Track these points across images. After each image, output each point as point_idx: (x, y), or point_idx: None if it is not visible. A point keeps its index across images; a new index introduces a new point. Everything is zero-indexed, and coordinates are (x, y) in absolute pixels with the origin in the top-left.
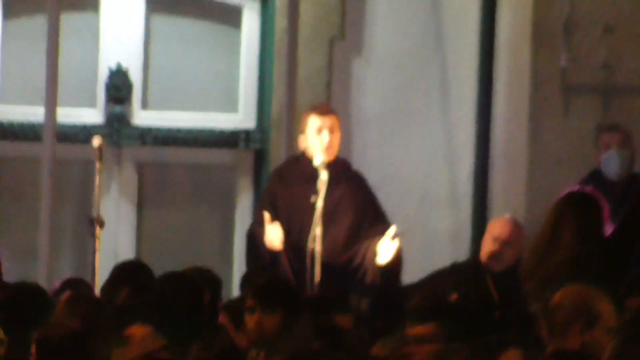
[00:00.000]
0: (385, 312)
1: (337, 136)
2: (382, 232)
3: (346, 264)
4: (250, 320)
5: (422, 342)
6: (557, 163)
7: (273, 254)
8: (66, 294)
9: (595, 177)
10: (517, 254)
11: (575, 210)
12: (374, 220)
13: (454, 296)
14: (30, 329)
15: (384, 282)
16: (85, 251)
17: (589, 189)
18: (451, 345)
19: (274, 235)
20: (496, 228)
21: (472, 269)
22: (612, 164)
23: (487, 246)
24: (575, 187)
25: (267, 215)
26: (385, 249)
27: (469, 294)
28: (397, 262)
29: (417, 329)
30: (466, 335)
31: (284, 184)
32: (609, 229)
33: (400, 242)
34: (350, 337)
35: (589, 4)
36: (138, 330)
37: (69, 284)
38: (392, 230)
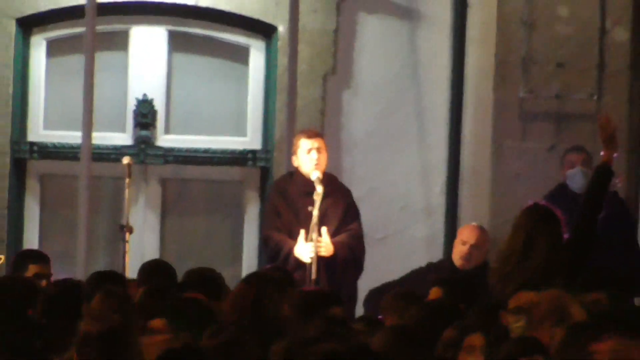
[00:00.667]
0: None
1: (324, 155)
2: (348, 233)
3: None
4: None
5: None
6: (516, 179)
7: (287, 254)
8: (101, 291)
9: (561, 190)
10: (483, 255)
11: (545, 222)
12: (345, 227)
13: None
14: (73, 320)
15: (328, 274)
16: (117, 254)
17: (545, 203)
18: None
19: (304, 251)
20: (465, 233)
21: (446, 268)
22: (576, 179)
23: (458, 249)
24: (535, 201)
25: (302, 233)
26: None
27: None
28: (340, 255)
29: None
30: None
31: (284, 197)
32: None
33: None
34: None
35: (543, 44)
36: (157, 324)
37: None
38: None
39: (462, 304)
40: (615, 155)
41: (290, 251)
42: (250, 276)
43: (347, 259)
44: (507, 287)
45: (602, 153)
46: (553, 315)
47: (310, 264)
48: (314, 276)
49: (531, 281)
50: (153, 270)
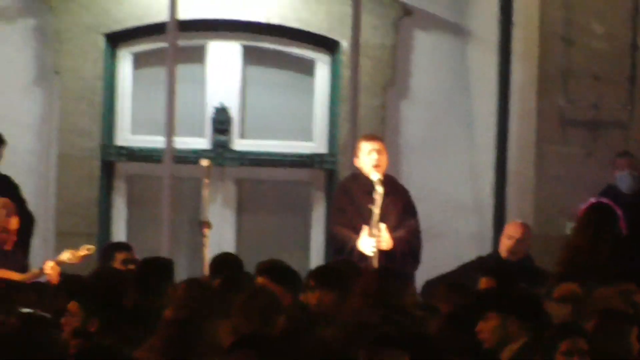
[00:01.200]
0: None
1: (384, 157)
2: (405, 229)
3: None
4: (312, 297)
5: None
6: (557, 180)
7: (351, 248)
8: (185, 281)
9: (610, 190)
10: (526, 248)
11: (611, 220)
12: (404, 223)
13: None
14: (160, 296)
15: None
16: (197, 247)
17: (608, 202)
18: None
19: (366, 245)
20: (511, 229)
21: (494, 260)
22: (625, 181)
23: (504, 243)
24: (596, 199)
25: (365, 228)
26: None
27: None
28: (398, 249)
29: None
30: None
31: (348, 197)
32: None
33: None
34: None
35: (581, 59)
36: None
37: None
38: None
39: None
40: None
41: (354, 245)
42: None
43: (406, 253)
44: (577, 275)
45: None
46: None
47: (372, 257)
48: (375, 266)
49: (600, 272)
50: (223, 262)
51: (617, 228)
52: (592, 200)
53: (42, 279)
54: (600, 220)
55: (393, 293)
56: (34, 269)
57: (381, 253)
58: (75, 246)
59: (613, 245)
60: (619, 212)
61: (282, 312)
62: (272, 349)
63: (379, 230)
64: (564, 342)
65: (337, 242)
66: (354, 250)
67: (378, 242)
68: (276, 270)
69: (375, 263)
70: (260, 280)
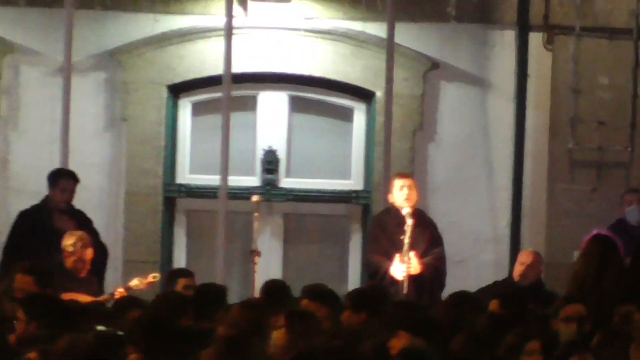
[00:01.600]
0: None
1: (414, 192)
2: (433, 256)
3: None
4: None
5: None
6: (566, 214)
7: (384, 273)
8: (239, 302)
9: (620, 223)
10: (537, 274)
11: (614, 251)
12: (435, 248)
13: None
14: (213, 318)
15: (415, 289)
16: (248, 274)
17: (609, 234)
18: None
19: (397, 270)
20: (523, 256)
21: (508, 284)
22: (634, 214)
23: (517, 269)
24: (598, 231)
25: (397, 256)
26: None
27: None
28: (426, 274)
29: None
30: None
31: (382, 228)
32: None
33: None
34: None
35: (588, 107)
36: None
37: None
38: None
39: (514, 312)
40: None
41: (387, 270)
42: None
43: (433, 277)
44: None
45: None
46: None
47: (402, 281)
48: (405, 291)
49: (610, 297)
50: (272, 286)
51: (618, 257)
52: (594, 232)
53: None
54: (603, 250)
55: None
56: (104, 295)
57: (411, 277)
58: (141, 273)
59: (617, 273)
60: (621, 243)
61: (320, 330)
62: None
63: (409, 257)
64: (573, 358)
65: (372, 268)
66: (386, 275)
67: (408, 268)
68: (318, 292)
69: (405, 287)
70: (304, 302)
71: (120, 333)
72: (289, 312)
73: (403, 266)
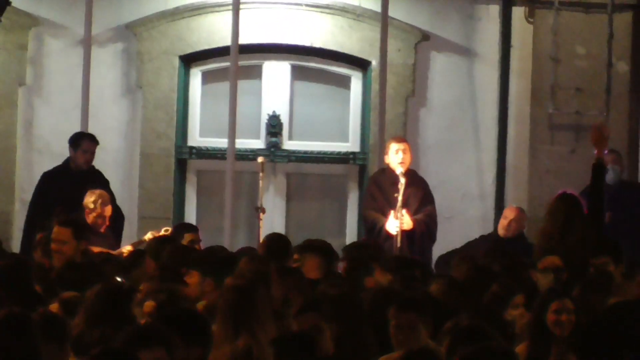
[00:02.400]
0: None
1: (408, 155)
2: (422, 222)
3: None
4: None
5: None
6: (547, 173)
7: (380, 228)
8: (247, 255)
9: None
10: (520, 228)
11: (578, 207)
12: (423, 207)
13: None
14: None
15: (408, 244)
16: (253, 229)
17: (572, 192)
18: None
19: (392, 225)
20: (507, 211)
21: (493, 238)
22: (610, 174)
23: (501, 222)
24: (564, 190)
25: (392, 213)
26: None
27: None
28: (417, 230)
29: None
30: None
31: (378, 187)
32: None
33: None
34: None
35: (566, 74)
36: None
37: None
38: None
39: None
40: (605, 151)
41: (382, 226)
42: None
43: (424, 233)
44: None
45: (595, 152)
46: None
47: (396, 236)
48: (398, 245)
49: (575, 251)
50: (272, 239)
51: (582, 213)
52: (560, 191)
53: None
54: (568, 207)
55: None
56: (125, 247)
57: (403, 232)
58: (154, 228)
59: (581, 228)
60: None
61: (307, 282)
62: (331, 309)
63: (402, 214)
64: (553, 303)
65: (369, 223)
66: (382, 230)
67: (401, 223)
68: (307, 245)
69: (399, 242)
70: (295, 256)
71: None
72: (276, 267)
73: (396, 222)
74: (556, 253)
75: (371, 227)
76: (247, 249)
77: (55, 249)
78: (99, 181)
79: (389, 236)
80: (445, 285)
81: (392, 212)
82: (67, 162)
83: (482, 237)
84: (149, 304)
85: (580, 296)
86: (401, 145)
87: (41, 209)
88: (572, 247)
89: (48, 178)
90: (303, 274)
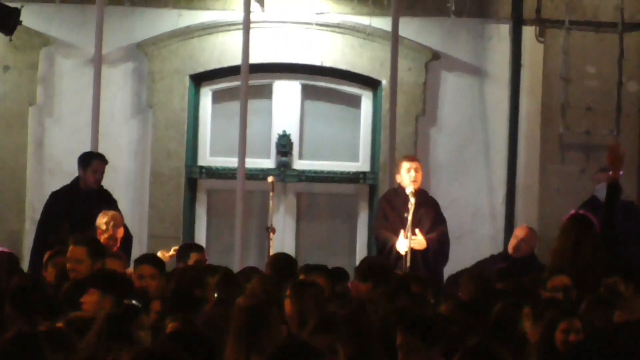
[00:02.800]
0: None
1: (420, 174)
2: (435, 241)
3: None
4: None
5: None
6: (557, 193)
7: (390, 247)
8: (259, 274)
9: (592, 201)
10: (530, 248)
11: (589, 228)
12: (434, 227)
13: None
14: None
15: (423, 263)
16: (263, 248)
17: (585, 213)
18: None
19: (402, 245)
20: (517, 231)
21: (503, 257)
22: (602, 192)
23: (511, 242)
24: (575, 211)
25: (402, 233)
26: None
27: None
28: (430, 249)
29: None
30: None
31: (390, 205)
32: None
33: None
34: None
35: (577, 94)
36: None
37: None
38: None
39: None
40: (621, 173)
41: (393, 245)
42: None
43: (437, 252)
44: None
45: (610, 173)
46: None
47: (405, 255)
48: (408, 265)
49: (582, 272)
50: (278, 259)
51: (594, 233)
52: (572, 211)
53: None
54: (579, 227)
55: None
56: (129, 269)
57: (417, 252)
58: (164, 247)
59: (593, 248)
60: (595, 220)
61: (324, 297)
62: (345, 330)
63: (412, 233)
64: (562, 323)
65: (380, 242)
66: (392, 249)
67: (411, 243)
68: (312, 267)
69: (408, 261)
70: (302, 277)
71: (136, 303)
72: (293, 283)
73: (406, 241)
74: (567, 273)
75: (382, 247)
76: (249, 269)
77: (71, 268)
78: (108, 201)
79: (399, 256)
80: (454, 305)
81: (402, 231)
82: (76, 181)
83: (492, 256)
84: (172, 325)
85: (587, 313)
86: (413, 164)
87: (50, 228)
88: (583, 267)
89: (57, 197)
90: (321, 287)
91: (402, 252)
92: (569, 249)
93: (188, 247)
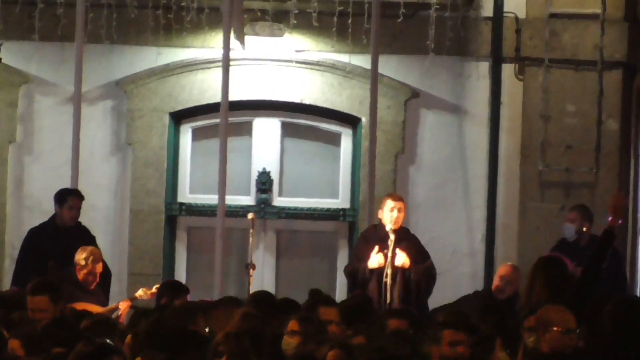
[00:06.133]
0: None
1: (402, 214)
2: (422, 269)
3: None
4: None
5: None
6: (536, 230)
7: (367, 278)
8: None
9: (562, 240)
10: (515, 289)
11: (542, 270)
12: (418, 261)
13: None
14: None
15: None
16: (243, 285)
17: (555, 254)
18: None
19: (376, 261)
20: (501, 271)
21: (486, 297)
22: (568, 231)
23: (495, 282)
24: (544, 255)
25: (376, 248)
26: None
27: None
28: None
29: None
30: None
31: (367, 242)
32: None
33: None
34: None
35: (556, 132)
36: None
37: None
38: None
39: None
40: (619, 222)
41: (365, 267)
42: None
43: (421, 284)
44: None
45: (609, 219)
46: (542, 325)
47: (385, 285)
48: (389, 301)
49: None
50: (258, 297)
51: (550, 278)
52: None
53: (116, 313)
54: (531, 272)
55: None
56: (111, 304)
57: (401, 286)
58: (144, 285)
59: (547, 294)
60: (565, 261)
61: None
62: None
63: (392, 269)
64: None
65: (350, 276)
66: (365, 270)
67: (391, 281)
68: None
69: (389, 296)
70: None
71: (109, 342)
72: (300, 317)
73: (377, 256)
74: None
75: (354, 277)
76: (227, 299)
77: (37, 319)
78: (86, 237)
79: (373, 271)
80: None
81: (376, 247)
82: (53, 218)
83: (475, 292)
84: None
85: None
86: (397, 204)
87: (28, 265)
88: (533, 308)
89: (34, 235)
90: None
91: (375, 265)
92: (524, 292)
93: (170, 288)
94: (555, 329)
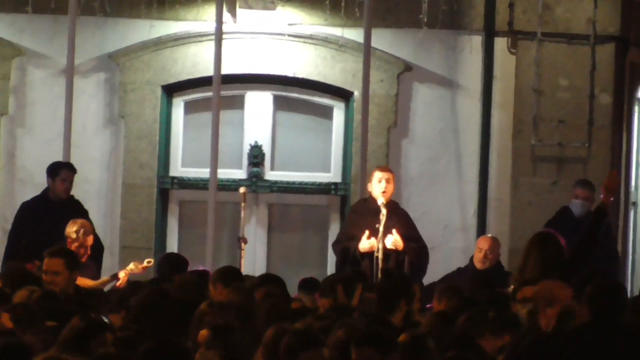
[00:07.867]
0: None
1: (391, 185)
2: (416, 249)
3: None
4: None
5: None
6: (528, 205)
7: (357, 256)
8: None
9: (565, 212)
10: (495, 259)
11: (539, 245)
12: (410, 239)
13: None
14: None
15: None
16: (235, 259)
17: (551, 230)
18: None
19: (367, 244)
20: (481, 242)
21: (469, 270)
22: (578, 209)
23: (476, 254)
24: (541, 230)
25: (367, 233)
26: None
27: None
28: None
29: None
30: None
31: (357, 216)
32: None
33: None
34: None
35: (548, 106)
36: None
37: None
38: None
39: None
40: (612, 199)
41: (357, 249)
42: None
43: (414, 263)
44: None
45: (602, 196)
46: (544, 301)
47: (377, 260)
48: (379, 275)
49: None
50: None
51: (546, 253)
52: (541, 230)
53: (109, 285)
54: (527, 245)
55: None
56: (104, 277)
57: (394, 262)
58: (136, 258)
59: (541, 268)
60: (560, 238)
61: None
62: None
63: (384, 244)
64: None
65: (340, 254)
66: (356, 252)
67: (387, 244)
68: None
69: (380, 264)
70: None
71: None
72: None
73: (368, 241)
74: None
75: (344, 256)
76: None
77: (48, 281)
78: (78, 211)
79: (364, 254)
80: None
81: (366, 232)
82: (45, 191)
83: (459, 269)
84: (203, 333)
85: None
86: (385, 175)
87: (20, 239)
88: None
89: (27, 208)
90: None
91: (365, 250)
92: (519, 267)
93: (170, 260)
94: (558, 305)
